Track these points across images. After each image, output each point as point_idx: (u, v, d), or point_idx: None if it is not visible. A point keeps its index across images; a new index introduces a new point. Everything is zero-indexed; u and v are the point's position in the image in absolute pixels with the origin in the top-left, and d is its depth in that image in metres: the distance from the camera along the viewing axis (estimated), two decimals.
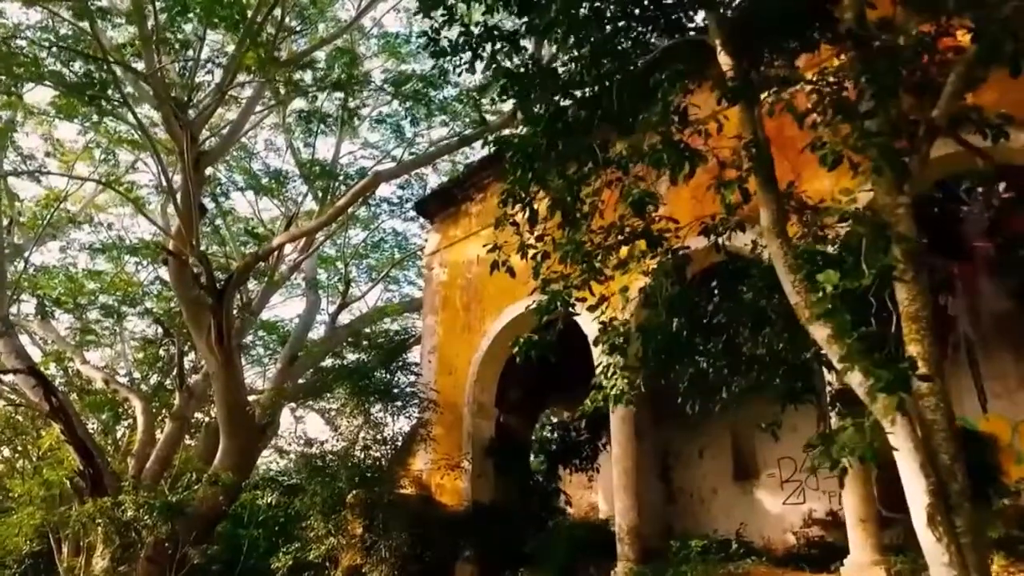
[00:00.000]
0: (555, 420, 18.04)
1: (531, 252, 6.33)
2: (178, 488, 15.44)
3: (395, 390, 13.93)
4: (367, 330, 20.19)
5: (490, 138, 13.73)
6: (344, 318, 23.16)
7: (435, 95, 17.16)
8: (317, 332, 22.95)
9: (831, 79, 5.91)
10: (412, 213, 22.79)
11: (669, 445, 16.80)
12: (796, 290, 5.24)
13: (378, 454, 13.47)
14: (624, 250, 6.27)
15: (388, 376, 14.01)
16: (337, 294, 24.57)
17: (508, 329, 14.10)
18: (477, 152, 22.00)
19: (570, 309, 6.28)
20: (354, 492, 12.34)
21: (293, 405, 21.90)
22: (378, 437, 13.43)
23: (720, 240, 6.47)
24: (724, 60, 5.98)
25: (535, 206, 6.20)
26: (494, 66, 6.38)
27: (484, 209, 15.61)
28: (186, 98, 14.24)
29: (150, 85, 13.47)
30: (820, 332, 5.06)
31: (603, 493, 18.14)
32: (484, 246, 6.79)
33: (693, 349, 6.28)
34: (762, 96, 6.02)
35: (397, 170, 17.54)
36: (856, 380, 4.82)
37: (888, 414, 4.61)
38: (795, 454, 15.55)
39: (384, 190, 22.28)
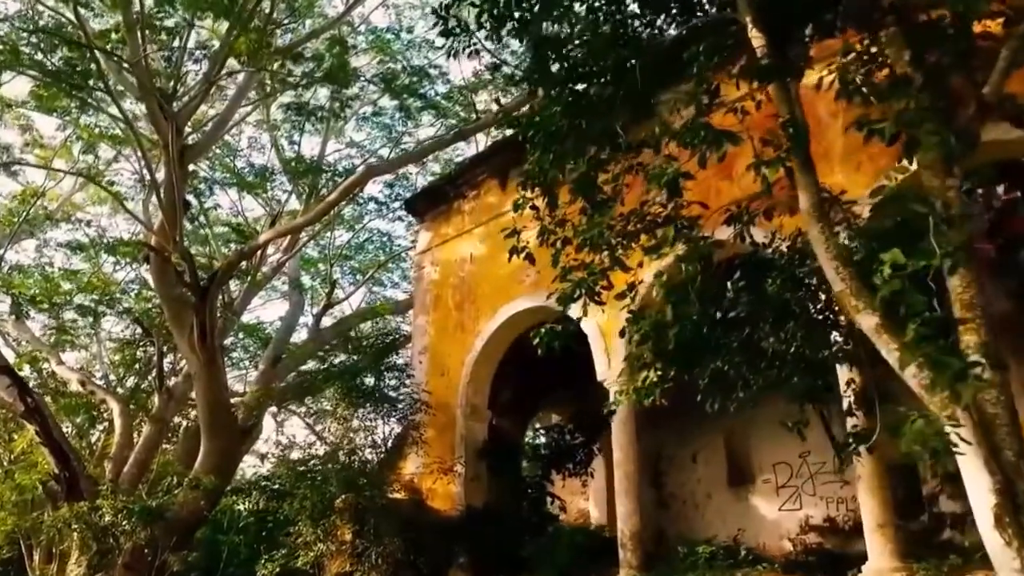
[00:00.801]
0: (547, 424, 17.72)
1: (551, 238, 5.96)
2: (158, 492, 14.91)
3: (386, 391, 13.50)
4: (352, 333, 19.73)
5: (497, 124, 13.32)
6: (328, 320, 22.77)
7: (426, 90, 16.78)
8: (300, 335, 22.58)
9: (867, 56, 5.62)
10: (399, 213, 22.50)
11: (662, 449, 16.52)
12: (840, 276, 4.92)
13: (369, 457, 13.04)
14: (644, 238, 5.92)
15: (378, 377, 13.57)
16: (320, 298, 24.23)
17: (503, 329, 13.76)
18: (468, 150, 21.78)
19: (596, 298, 5.88)
20: (343, 497, 11.91)
21: (274, 409, 21.40)
22: (369, 440, 13.00)
23: (745, 228, 6.15)
24: (756, 37, 5.67)
25: (555, 190, 5.84)
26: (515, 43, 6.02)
27: (478, 207, 15.27)
28: (172, 89, 13.79)
29: (134, 74, 13.02)
30: (868, 321, 4.75)
31: (594, 498, 17.82)
32: (503, 231, 6.40)
33: (717, 342, 5.94)
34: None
35: (390, 164, 17.18)
36: (910, 372, 4.51)
37: (947, 408, 4.30)
38: (791, 459, 15.34)
39: (371, 189, 21.86)
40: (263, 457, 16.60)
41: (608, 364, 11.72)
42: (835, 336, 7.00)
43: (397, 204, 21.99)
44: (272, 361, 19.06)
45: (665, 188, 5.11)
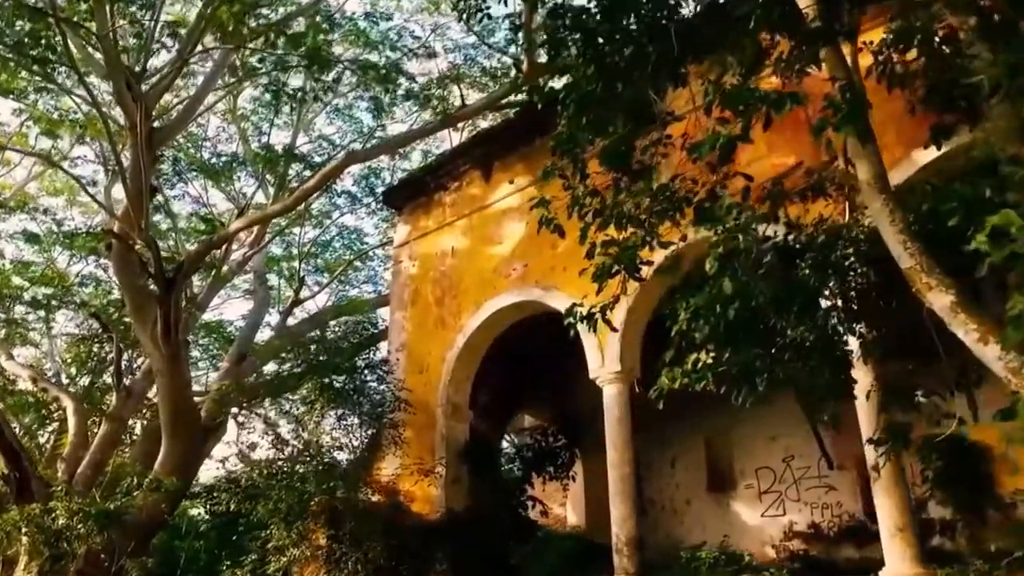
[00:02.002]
0: (519, 427, 17.23)
1: (582, 210, 5.46)
2: (116, 494, 14.11)
3: (364, 388, 12.85)
4: (323, 332, 18.98)
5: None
6: (295, 319, 22.02)
7: (405, 79, 16.18)
8: (262, 335, 21.81)
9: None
10: (372, 208, 21.90)
11: (640, 454, 16.07)
12: (909, 251, 4.50)
13: (345, 458, 12.40)
14: (687, 211, 5.45)
15: (354, 374, 12.90)
16: (284, 297, 23.53)
17: (487, 324, 13.24)
18: (443, 145, 21.22)
19: (635, 274, 5.39)
20: (317, 499, 11.25)
21: (236, 410, 20.59)
22: (346, 439, 12.34)
23: (782, 207, 5.73)
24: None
25: (585, 159, 5.35)
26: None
27: (460, 199, 14.72)
28: (141, 67, 13.06)
29: (102, 49, 12.26)
30: (942, 300, 4.34)
31: (572, 503, 17.37)
32: (530, 200, 5.89)
33: (755, 328, 5.49)
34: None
35: (371, 151, 16.53)
36: (994, 354, 4.10)
37: None
38: (774, 464, 15.06)
39: (342, 184, 21.17)
40: (224, 460, 15.86)
41: (602, 360, 11.24)
42: (861, 328, 6.65)
43: (370, 200, 21.47)
44: (237, 359, 18.28)
45: (720, 151, 4.64)
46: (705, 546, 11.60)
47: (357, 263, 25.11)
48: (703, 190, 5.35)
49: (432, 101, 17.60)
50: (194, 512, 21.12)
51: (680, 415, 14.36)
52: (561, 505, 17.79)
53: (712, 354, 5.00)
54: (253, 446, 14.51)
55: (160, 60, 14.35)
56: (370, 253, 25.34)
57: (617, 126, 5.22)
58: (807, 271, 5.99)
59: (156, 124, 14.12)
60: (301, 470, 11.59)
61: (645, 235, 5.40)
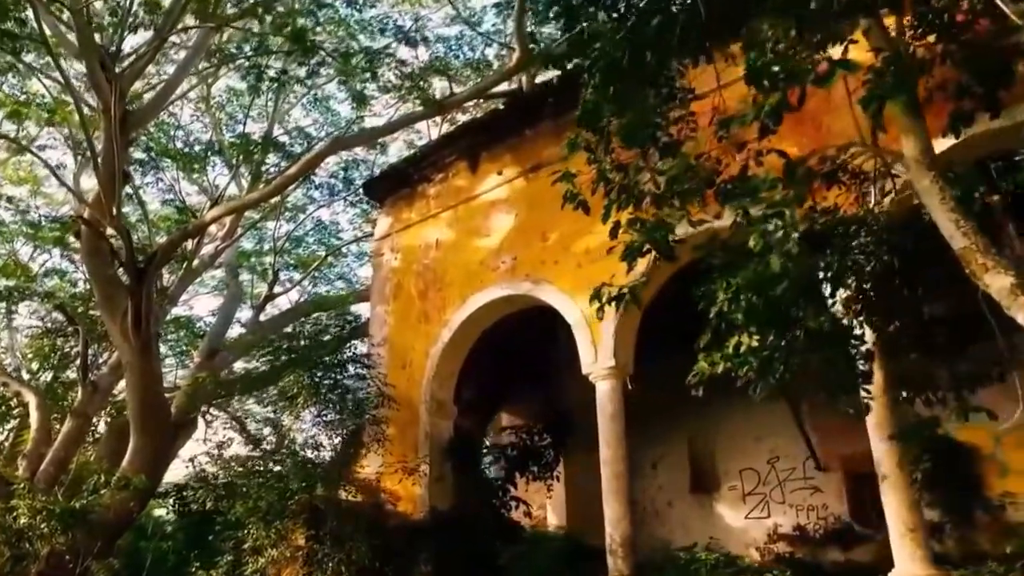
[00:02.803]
0: (508, 425, 16.87)
1: (608, 186, 5.13)
2: (83, 492, 13.56)
3: (346, 383, 12.43)
4: (297, 326, 18.47)
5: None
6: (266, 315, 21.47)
7: (384, 70, 15.76)
8: (233, 331, 21.26)
9: None
10: (350, 201, 21.45)
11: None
12: (963, 231, 4.24)
13: (325, 455, 11.94)
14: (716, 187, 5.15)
15: (337, 368, 12.47)
16: (257, 293, 22.99)
17: (474, 318, 12.86)
18: (425, 136, 20.83)
19: (669, 252, 5.06)
20: (296, 497, 10.79)
21: (206, 408, 20.00)
22: (327, 435, 11.88)
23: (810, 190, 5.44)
24: None
25: (610, 132, 5.03)
26: None
27: (445, 190, 14.32)
28: (116, 46, 12.55)
29: (75, 26, 11.74)
30: (999, 281, 4.09)
31: (553, 503, 17.05)
32: (553, 174, 5.53)
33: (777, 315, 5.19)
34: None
35: (357, 137, 16.07)
36: None
37: None
38: (759, 465, 14.86)
39: (320, 175, 20.68)
40: (192, 459, 15.32)
41: (595, 355, 10.91)
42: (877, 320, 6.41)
43: (347, 194, 21.03)
44: (208, 354, 17.76)
45: (766, 119, 4.34)
46: (697, 547, 11.34)
47: (331, 259, 24.63)
48: (737, 163, 5.04)
49: (413, 93, 17.20)
50: (159, 512, 20.56)
51: (662, 415, 14.12)
52: (540, 507, 17.47)
53: (756, 336, 4.70)
54: (225, 443, 13.96)
55: (137, 40, 13.83)
56: (344, 250, 24.91)
57: (648, 96, 4.91)
58: (833, 258, 5.73)
59: (130, 108, 13.60)
60: (281, 468, 11.14)
61: (677, 212, 5.08)
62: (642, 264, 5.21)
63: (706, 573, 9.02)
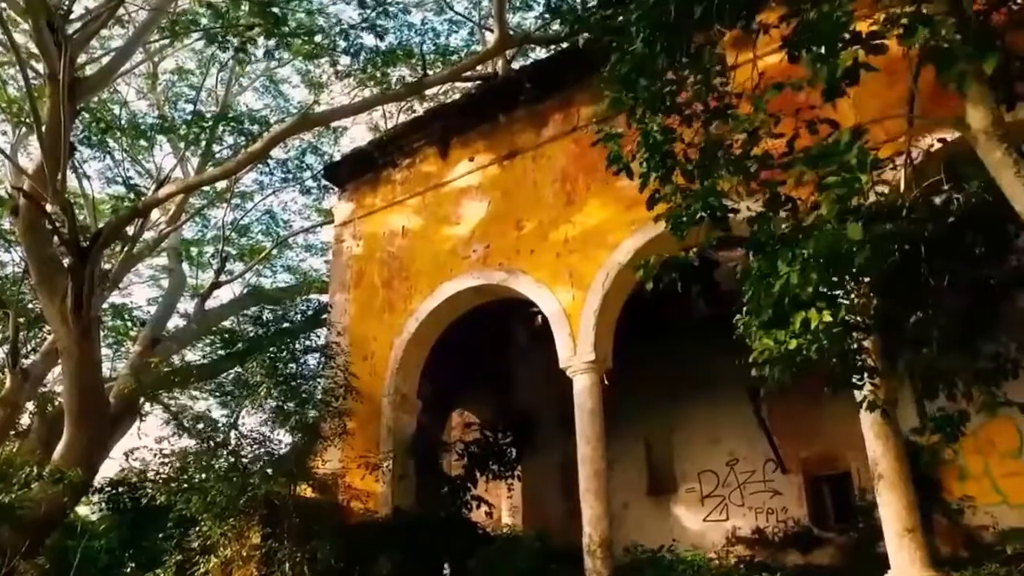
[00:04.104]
0: (467, 421, 16.40)
1: (653, 152, 4.72)
2: (13, 486, 12.65)
3: (305, 373, 11.80)
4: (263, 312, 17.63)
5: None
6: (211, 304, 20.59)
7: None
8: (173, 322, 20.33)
9: None
10: (305, 188, 20.73)
11: (574, 456, 15.62)
12: None
13: (283, 449, 11.28)
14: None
15: (295, 358, 11.83)
16: (199, 284, 22.10)
17: (442, 309, 12.36)
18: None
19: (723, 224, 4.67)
20: (254, 492, 10.11)
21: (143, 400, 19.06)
22: (284, 428, 11.18)
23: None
24: None
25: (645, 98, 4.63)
26: None
27: (412, 176, 13.76)
28: (65, 7, 11.72)
29: None
30: None
31: (510, 503, 16.66)
32: (597, 132, 5.09)
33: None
34: None
35: (328, 114, 15.34)
36: None
37: None
38: (718, 467, 14.69)
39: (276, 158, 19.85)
40: (129, 453, 14.50)
41: (574, 349, 10.52)
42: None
43: (301, 181, 20.32)
44: (150, 342, 16.85)
45: (827, 84, 4.00)
46: (663, 550, 11.05)
47: (277, 250, 23.81)
48: (790, 131, 4.69)
49: (374, 79, 16.65)
50: (83, 511, 19.51)
51: (618, 415, 13.82)
52: (494, 507, 17.08)
53: (828, 312, 4.34)
54: (167, 437, 13.13)
55: (89, 2, 12.94)
56: (291, 240, 24.12)
57: (704, 57, 4.53)
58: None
59: (78, 76, 12.74)
60: (236, 461, 10.45)
61: (728, 181, 4.70)
62: (699, 232, 4.79)
63: (693, 573, 8.71)
